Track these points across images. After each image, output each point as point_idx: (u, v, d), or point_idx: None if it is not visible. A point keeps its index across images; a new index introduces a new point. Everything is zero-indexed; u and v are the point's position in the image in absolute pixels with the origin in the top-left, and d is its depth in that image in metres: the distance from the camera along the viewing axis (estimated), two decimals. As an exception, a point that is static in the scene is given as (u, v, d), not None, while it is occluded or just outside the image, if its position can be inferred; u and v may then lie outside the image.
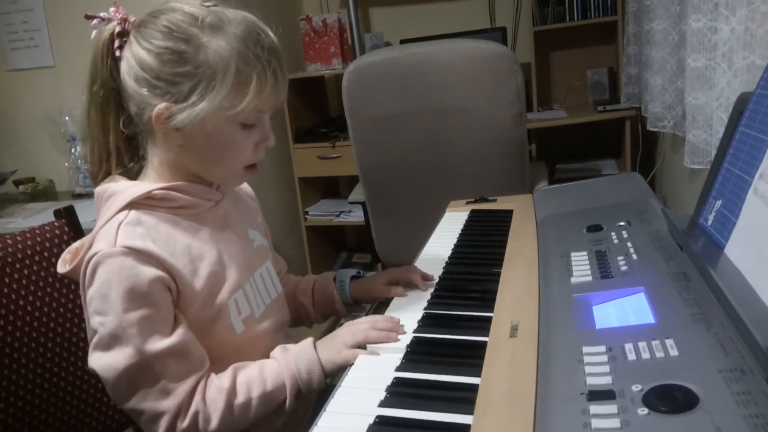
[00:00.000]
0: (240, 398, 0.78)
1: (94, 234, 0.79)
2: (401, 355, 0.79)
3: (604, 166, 2.75)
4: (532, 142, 2.66)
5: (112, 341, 0.74)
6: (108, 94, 0.80)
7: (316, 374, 0.82)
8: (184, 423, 0.75)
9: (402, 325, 0.86)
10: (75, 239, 1.14)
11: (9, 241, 1.05)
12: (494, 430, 0.59)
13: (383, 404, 0.68)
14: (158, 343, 0.75)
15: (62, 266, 0.82)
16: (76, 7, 2.42)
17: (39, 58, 2.53)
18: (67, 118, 2.44)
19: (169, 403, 0.75)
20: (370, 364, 0.79)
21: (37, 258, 1.08)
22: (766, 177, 0.67)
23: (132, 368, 0.74)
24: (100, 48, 0.80)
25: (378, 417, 0.65)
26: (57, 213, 1.15)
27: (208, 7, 0.78)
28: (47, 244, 1.10)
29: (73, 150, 2.48)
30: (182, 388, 0.76)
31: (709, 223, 0.78)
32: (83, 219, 1.18)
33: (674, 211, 0.93)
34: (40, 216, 2.15)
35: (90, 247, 0.78)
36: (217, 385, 0.78)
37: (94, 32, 0.81)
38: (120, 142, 0.83)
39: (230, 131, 0.79)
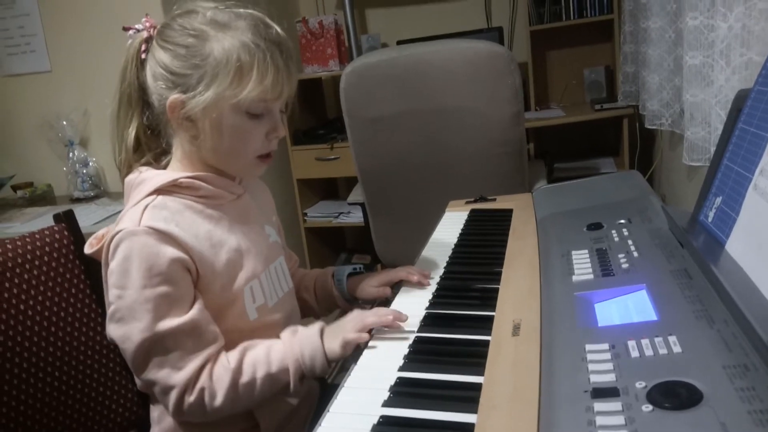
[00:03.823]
0: (245, 378, 0.82)
1: (121, 216, 0.84)
2: (404, 355, 0.79)
3: (602, 164, 2.75)
4: (530, 142, 2.67)
5: (126, 315, 0.79)
6: (133, 93, 0.88)
7: (318, 361, 0.84)
8: (191, 398, 0.79)
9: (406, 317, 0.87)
10: (75, 243, 1.14)
11: (9, 246, 1.04)
12: (498, 429, 0.59)
13: (387, 404, 0.68)
14: (172, 321, 0.79)
15: (88, 248, 0.88)
16: (72, 12, 2.42)
17: (36, 63, 2.52)
18: (64, 122, 2.44)
19: (179, 378, 0.79)
20: (373, 364, 0.79)
21: (37, 263, 1.08)
22: (766, 173, 0.67)
23: (146, 342, 0.79)
24: (131, 54, 0.87)
25: (382, 417, 0.65)
26: (56, 217, 1.15)
27: (221, 8, 0.85)
28: (47, 249, 1.10)
29: (71, 154, 2.47)
30: (192, 365, 0.79)
31: (710, 219, 0.78)
32: (83, 223, 1.18)
33: (674, 208, 0.93)
34: (38, 221, 2.14)
35: (116, 227, 0.83)
36: (224, 364, 0.82)
37: (129, 41, 0.88)
38: (144, 136, 0.89)
39: (238, 120, 0.84)
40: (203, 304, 0.83)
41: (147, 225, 0.80)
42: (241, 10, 0.85)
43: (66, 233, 1.14)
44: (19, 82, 2.56)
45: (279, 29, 0.86)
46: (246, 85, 0.80)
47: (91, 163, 2.48)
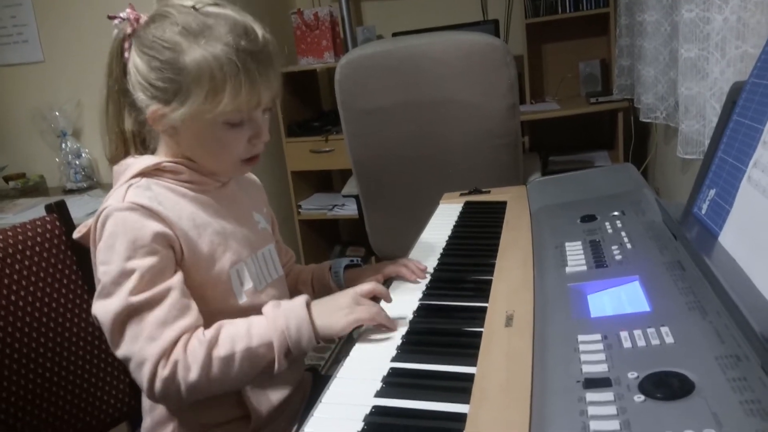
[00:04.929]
0: (221, 350, 0.78)
1: (107, 198, 0.84)
2: (397, 346, 0.78)
3: (596, 157, 2.76)
4: (525, 134, 2.67)
5: (111, 288, 0.78)
6: (121, 88, 0.86)
7: (305, 333, 0.81)
8: (165, 371, 0.76)
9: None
10: (67, 234, 1.13)
11: (0, 237, 1.04)
12: (491, 419, 0.59)
13: (379, 394, 0.68)
14: (149, 292, 0.77)
15: (76, 233, 0.88)
16: (64, 2, 2.40)
17: (28, 54, 2.50)
18: (57, 113, 2.42)
19: (153, 349, 0.76)
20: (366, 355, 0.79)
21: (28, 253, 1.07)
22: (760, 165, 0.67)
23: (123, 312, 0.77)
24: (114, 47, 0.85)
25: (374, 407, 0.65)
26: (48, 208, 1.14)
27: (197, 9, 0.81)
28: (39, 239, 1.09)
29: (63, 145, 2.45)
30: (166, 335, 0.77)
31: (703, 211, 0.78)
32: (75, 214, 1.17)
33: (669, 201, 0.93)
34: (30, 212, 2.13)
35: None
36: (199, 336, 0.79)
37: (115, 31, 0.85)
38: (134, 130, 0.89)
39: (217, 131, 0.83)
40: (183, 278, 0.82)
41: (131, 201, 0.80)
42: (219, 11, 0.81)
43: (58, 224, 1.13)
44: (11, 73, 2.54)
45: (258, 31, 0.82)
46: (221, 101, 0.79)
47: (83, 155, 2.47)
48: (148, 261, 0.78)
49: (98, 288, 0.80)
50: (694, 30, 1.29)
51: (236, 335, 0.80)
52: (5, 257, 1.03)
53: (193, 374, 0.76)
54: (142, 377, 0.77)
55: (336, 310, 0.83)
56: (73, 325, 1.11)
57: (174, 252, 0.82)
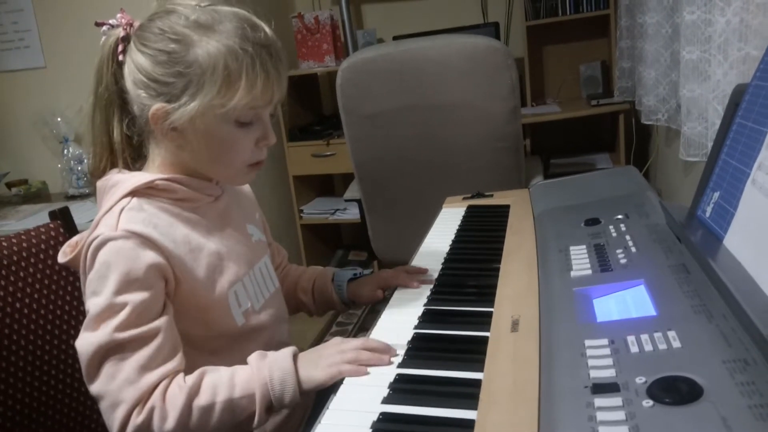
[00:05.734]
0: (202, 400, 0.74)
1: (96, 222, 0.80)
2: (403, 352, 0.78)
3: (598, 160, 2.76)
4: (527, 137, 2.67)
5: (97, 321, 0.74)
6: (111, 96, 0.83)
7: (289, 386, 0.76)
8: (139, 418, 0.72)
9: (395, 352, 0.79)
10: (71, 241, 1.13)
11: (3, 244, 1.04)
12: (499, 425, 0.59)
13: (387, 401, 0.68)
14: (134, 330, 0.74)
15: (62, 257, 0.83)
16: (66, 7, 2.41)
17: (30, 59, 2.51)
18: (59, 119, 2.43)
19: (130, 394, 0.72)
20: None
21: (32, 260, 1.07)
22: (764, 168, 0.67)
23: (105, 347, 0.73)
24: (105, 53, 0.82)
25: (382, 413, 0.65)
26: (52, 214, 1.14)
27: (203, 6, 0.80)
28: (43, 246, 1.09)
29: (65, 151, 2.46)
30: (146, 380, 0.73)
31: (708, 214, 0.78)
32: (78, 221, 1.17)
33: (672, 204, 0.93)
34: (33, 218, 2.13)
35: (91, 233, 0.78)
36: (180, 383, 0.75)
37: (103, 38, 0.83)
38: (122, 142, 0.85)
39: (226, 130, 0.80)
40: (172, 316, 0.78)
41: (125, 228, 0.76)
42: (225, 8, 0.79)
43: (62, 231, 1.13)
44: (13, 79, 2.55)
45: (267, 29, 0.80)
46: (235, 94, 0.76)
47: (86, 160, 2.47)
48: (140, 296, 0.74)
49: (86, 320, 0.76)
50: (695, 32, 1.29)
51: (219, 383, 0.76)
52: (10, 264, 1.03)
53: (170, 423, 0.72)
54: (114, 420, 0.72)
55: (319, 360, 0.78)
56: (77, 332, 1.10)
57: (166, 283, 0.79)
